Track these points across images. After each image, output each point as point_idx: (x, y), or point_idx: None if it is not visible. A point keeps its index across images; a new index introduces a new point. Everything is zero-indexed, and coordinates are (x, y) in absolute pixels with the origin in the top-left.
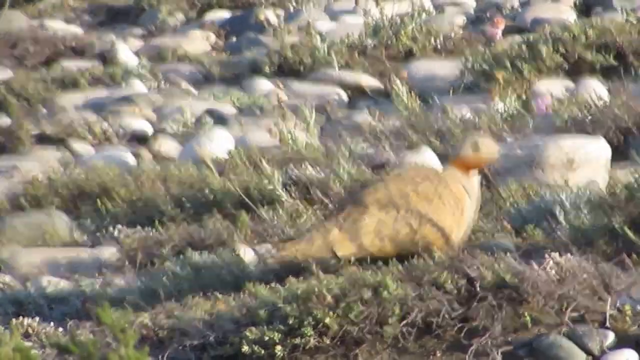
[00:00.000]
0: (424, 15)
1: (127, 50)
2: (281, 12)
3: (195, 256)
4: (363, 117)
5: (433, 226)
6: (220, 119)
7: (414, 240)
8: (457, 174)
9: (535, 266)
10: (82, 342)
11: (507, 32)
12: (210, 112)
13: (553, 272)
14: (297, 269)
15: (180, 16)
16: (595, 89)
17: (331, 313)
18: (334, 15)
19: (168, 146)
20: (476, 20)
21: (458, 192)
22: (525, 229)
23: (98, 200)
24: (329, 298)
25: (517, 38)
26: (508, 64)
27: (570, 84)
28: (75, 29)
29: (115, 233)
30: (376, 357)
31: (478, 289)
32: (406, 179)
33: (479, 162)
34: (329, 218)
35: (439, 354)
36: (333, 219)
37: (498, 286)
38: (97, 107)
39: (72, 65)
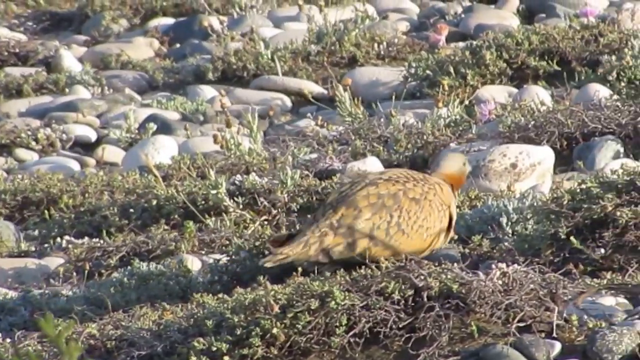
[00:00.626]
0: (367, 22)
1: (70, 56)
2: (225, 19)
3: (143, 266)
4: (307, 123)
5: (422, 230)
6: (164, 126)
7: (406, 244)
8: (443, 182)
9: (482, 276)
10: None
11: (450, 38)
12: (154, 119)
13: (500, 282)
14: (245, 279)
15: (124, 23)
16: (539, 95)
17: (278, 323)
18: (277, 22)
19: (112, 153)
20: (420, 27)
21: (446, 198)
22: (472, 239)
23: (44, 210)
24: (276, 308)
25: (461, 44)
26: (452, 70)
27: (513, 90)
28: (19, 36)
29: (63, 243)
30: None
31: (425, 299)
32: (396, 181)
33: (460, 181)
34: (322, 218)
35: None
36: (327, 222)
37: (445, 296)
38: (41, 113)
39: (15, 71)
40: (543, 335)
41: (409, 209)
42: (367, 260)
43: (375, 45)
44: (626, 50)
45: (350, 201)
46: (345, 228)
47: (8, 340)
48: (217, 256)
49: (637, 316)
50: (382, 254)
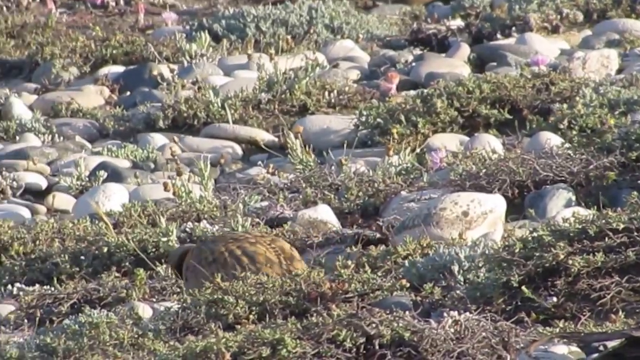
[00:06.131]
0: (317, 70)
1: (21, 104)
2: (175, 67)
3: (94, 313)
4: (258, 171)
5: None
6: (114, 173)
7: None
8: None
9: (434, 324)
10: None
11: (401, 86)
12: (105, 166)
13: (452, 330)
14: (197, 327)
15: (74, 70)
16: (490, 143)
17: None
18: (227, 70)
19: (63, 200)
20: (370, 75)
21: None
22: (424, 286)
23: None
24: (227, 356)
25: (412, 92)
26: (402, 118)
27: (465, 138)
28: None
29: (14, 291)
30: None
31: (377, 346)
32: None
33: None
34: None
35: None
36: None
37: (397, 344)
38: None
39: None
40: None
41: None
42: None
43: (326, 93)
44: (577, 98)
45: None
46: None
47: None
48: (169, 304)
49: None
50: None
